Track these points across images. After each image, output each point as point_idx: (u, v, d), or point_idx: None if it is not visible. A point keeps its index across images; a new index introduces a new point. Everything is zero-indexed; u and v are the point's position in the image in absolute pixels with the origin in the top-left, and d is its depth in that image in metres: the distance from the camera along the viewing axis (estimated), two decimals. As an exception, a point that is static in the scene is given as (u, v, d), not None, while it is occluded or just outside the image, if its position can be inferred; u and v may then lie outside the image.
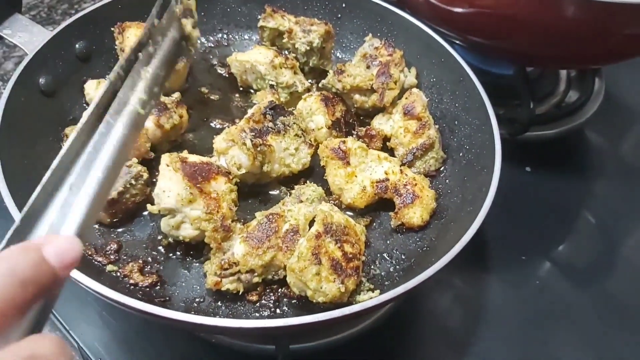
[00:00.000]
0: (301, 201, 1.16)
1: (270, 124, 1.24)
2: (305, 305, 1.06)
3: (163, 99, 1.31)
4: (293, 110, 1.36)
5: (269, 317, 1.05)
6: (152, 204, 1.09)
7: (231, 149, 1.19)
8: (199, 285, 1.09)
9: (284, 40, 1.51)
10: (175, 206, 1.06)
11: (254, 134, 1.19)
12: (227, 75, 1.55)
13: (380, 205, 1.27)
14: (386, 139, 1.39)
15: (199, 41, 1.60)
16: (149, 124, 1.24)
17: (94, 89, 1.29)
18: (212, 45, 1.64)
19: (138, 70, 0.75)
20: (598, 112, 1.72)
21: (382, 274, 1.15)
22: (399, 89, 1.41)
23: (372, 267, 1.16)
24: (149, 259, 1.12)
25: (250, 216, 1.19)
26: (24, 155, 1.16)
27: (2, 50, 1.78)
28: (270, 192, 1.28)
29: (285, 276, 1.06)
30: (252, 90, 1.51)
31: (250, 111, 1.27)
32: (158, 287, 1.07)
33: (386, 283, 1.13)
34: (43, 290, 0.52)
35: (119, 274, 1.08)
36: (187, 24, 0.86)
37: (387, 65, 1.40)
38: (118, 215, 1.16)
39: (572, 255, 1.47)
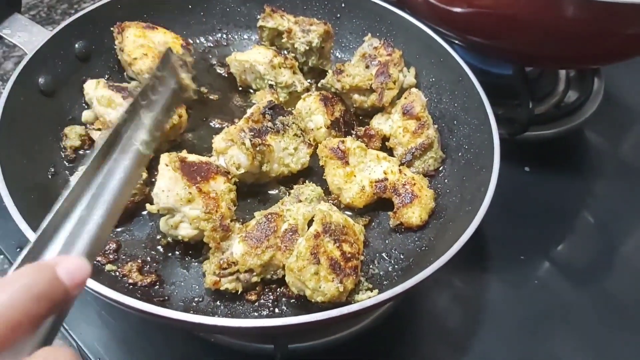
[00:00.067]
0: (300, 201, 1.16)
1: (270, 124, 1.24)
2: (303, 304, 1.06)
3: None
4: (292, 110, 1.36)
5: (267, 316, 1.06)
6: (151, 203, 1.09)
7: (230, 149, 1.19)
8: (197, 284, 1.09)
9: (283, 40, 1.51)
10: (174, 206, 1.06)
11: (253, 133, 1.19)
12: (226, 75, 1.55)
13: (379, 204, 1.27)
14: (385, 138, 1.39)
15: (197, 41, 1.62)
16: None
17: (94, 89, 1.29)
18: (212, 45, 1.64)
19: (141, 115, 0.82)
20: (597, 112, 1.72)
21: (381, 273, 1.16)
22: (398, 88, 1.41)
23: (370, 266, 1.16)
24: (148, 258, 1.12)
25: (249, 216, 1.19)
26: (24, 155, 1.16)
27: (2, 50, 1.78)
28: (269, 192, 1.28)
29: (284, 276, 1.06)
30: (251, 90, 1.51)
31: (249, 111, 1.27)
32: (157, 286, 1.08)
33: (385, 282, 1.13)
34: (55, 305, 0.55)
35: (118, 273, 1.08)
36: (185, 77, 0.97)
37: (386, 65, 1.40)
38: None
39: (571, 255, 1.47)
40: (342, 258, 1.03)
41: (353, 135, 1.40)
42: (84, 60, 1.41)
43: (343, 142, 1.27)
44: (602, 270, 1.44)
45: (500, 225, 1.45)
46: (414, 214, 1.21)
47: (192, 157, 1.14)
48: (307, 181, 1.27)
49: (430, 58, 1.48)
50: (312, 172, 1.32)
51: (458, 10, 1.38)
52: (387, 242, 1.22)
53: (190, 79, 0.98)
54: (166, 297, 1.06)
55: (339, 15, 1.63)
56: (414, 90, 1.40)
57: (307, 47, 1.48)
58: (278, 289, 1.09)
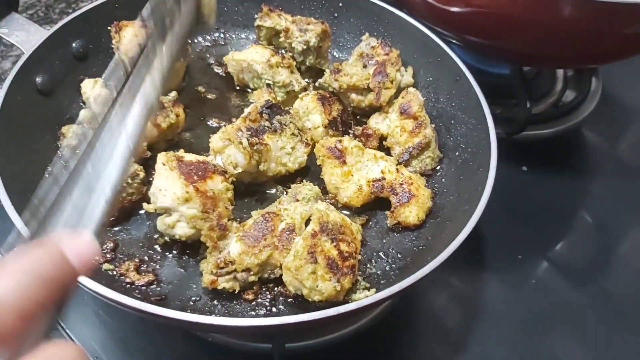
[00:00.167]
0: (297, 200, 1.16)
1: (267, 123, 1.24)
2: (301, 303, 1.06)
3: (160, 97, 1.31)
4: (290, 109, 1.36)
5: (265, 315, 1.06)
6: (149, 202, 1.09)
7: (227, 148, 1.19)
8: (195, 284, 1.09)
9: (281, 40, 1.51)
10: (171, 205, 1.06)
11: (250, 133, 1.19)
12: (223, 75, 1.55)
13: (376, 204, 1.27)
14: (382, 138, 1.39)
15: (195, 40, 1.62)
16: (146, 123, 1.24)
17: (91, 88, 1.29)
18: (209, 44, 1.64)
19: (154, 48, 0.72)
20: (595, 112, 1.72)
21: (378, 272, 1.16)
22: (395, 88, 1.41)
23: (368, 265, 1.16)
24: (145, 257, 1.12)
25: (246, 215, 1.19)
26: (21, 154, 1.16)
27: (0, 49, 1.78)
28: (267, 191, 1.28)
29: (281, 275, 1.06)
30: (248, 90, 1.51)
31: (246, 110, 1.27)
32: (154, 285, 1.08)
33: (382, 282, 1.13)
34: (65, 289, 0.50)
35: (115, 272, 1.08)
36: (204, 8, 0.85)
37: (383, 65, 1.40)
38: (114, 214, 1.16)
39: (568, 255, 1.47)
40: (340, 257, 1.03)
41: (350, 135, 1.40)
42: (82, 59, 1.40)
43: (340, 141, 1.27)
44: (600, 270, 1.44)
45: (498, 225, 1.46)
46: (412, 213, 1.21)
47: (190, 157, 1.14)
48: (304, 180, 1.27)
49: (427, 57, 1.48)
50: (310, 171, 1.32)
51: (456, 9, 1.38)
52: (384, 241, 1.22)
53: None
54: (163, 297, 1.06)
55: (336, 14, 1.63)
56: (411, 89, 1.40)
57: (305, 47, 1.48)
58: (275, 288, 1.09)
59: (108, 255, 1.10)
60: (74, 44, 1.38)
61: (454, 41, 1.53)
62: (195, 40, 1.62)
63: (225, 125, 1.28)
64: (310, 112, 1.35)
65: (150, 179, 1.12)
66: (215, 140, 1.20)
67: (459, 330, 1.27)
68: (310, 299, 1.01)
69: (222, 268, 1.04)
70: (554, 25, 1.28)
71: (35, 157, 1.20)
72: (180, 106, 1.33)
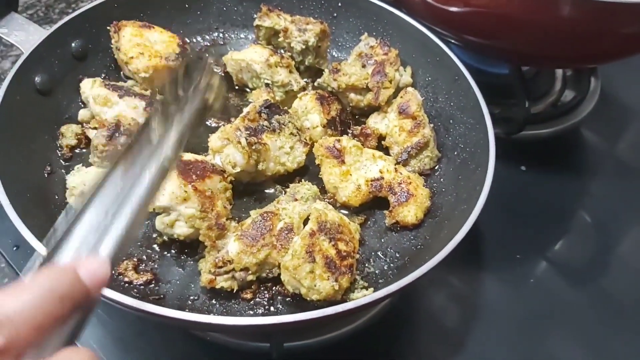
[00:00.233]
0: (296, 199, 1.16)
1: (266, 123, 1.24)
2: (299, 303, 1.06)
3: (158, 97, 1.32)
4: (288, 109, 1.36)
5: (263, 314, 1.06)
6: (147, 202, 1.09)
7: (226, 148, 1.19)
8: (193, 283, 1.09)
9: (280, 39, 1.51)
10: (169, 204, 1.06)
11: (249, 132, 1.20)
12: (222, 74, 1.55)
13: (375, 203, 1.27)
14: (381, 137, 1.40)
15: (194, 40, 1.62)
16: (145, 122, 1.25)
17: (90, 88, 1.29)
18: (208, 44, 1.64)
19: (171, 127, 0.79)
20: (594, 111, 1.72)
21: (377, 272, 1.16)
22: (394, 87, 1.41)
23: (366, 265, 1.17)
24: (144, 257, 1.12)
25: (245, 214, 1.19)
26: (20, 154, 1.16)
27: (0, 49, 1.78)
28: (265, 191, 1.28)
29: (279, 274, 1.06)
30: (247, 89, 1.51)
31: (245, 110, 1.28)
32: (152, 285, 1.08)
33: (380, 281, 1.14)
34: (77, 306, 0.57)
35: (113, 271, 1.07)
36: (211, 97, 0.92)
37: (382, 64, 1.40)
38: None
39: (567, 254, 1.47)
40: (338, 256, 1.03)
41: (349, 134, 1.40)
42: (81, 59, 1.41)
43: (339, 141, 1.27)
44: (599, 270, 1.44)
45: (497, 225, 1.46)
46: (410, 213, 1.21)
47: (188, 156, 1.15)
48: (303, 180, 1.27)
49: (426, 57, 1.48)
50: (308, 171, 1.32)
51: (454, 9, 1.39)
52: (382, 240, 1.22)
53: (215, 98, 0.94)
54: (162, 296, 1.06)
55: (335, 14, 1.63)
56: (410, 89, 1.40)
57: (304, 46, 1.48)
58: (273, 288, 1.10)
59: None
60: (73, 44, 1.38)
61: (452, 41, 1.54)
62: (195, 40, 1.63)
63: (224, 125, 1.28)
64: (309, 111, 1.35)
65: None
66: (214, 140, 1.20)
67: (458, 330, 1.27)
68: (308, 298, 1.01)
69: (221, 267, 1.04)
70: (553, 25, 1.28)
71: (34, 156, 1.20)
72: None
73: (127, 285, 1.06)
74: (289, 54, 1.52)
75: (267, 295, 1.09)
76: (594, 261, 1.46)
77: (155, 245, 1.14)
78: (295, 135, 1.27)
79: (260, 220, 1.09)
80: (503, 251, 1.43)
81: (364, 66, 1.43)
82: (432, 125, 1.38)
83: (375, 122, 1.41)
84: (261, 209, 1.15)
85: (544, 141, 1.68)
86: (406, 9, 1.56)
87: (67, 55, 1.37)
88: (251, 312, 1.06)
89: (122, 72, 1.46)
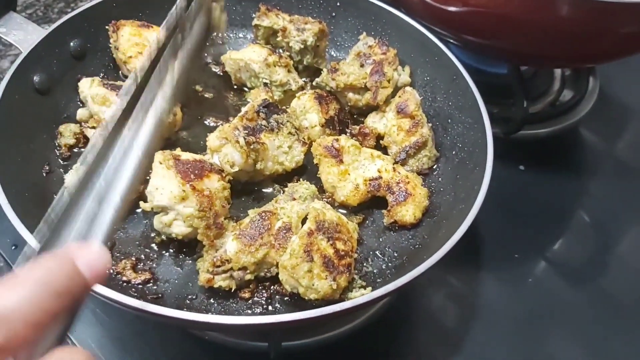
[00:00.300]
0: (294, 199, 1.16)
1: (264, 122, 1.24)
2: (297, 302, 1.06)
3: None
4: (287, 108, 1.36)
5: (261, 314, 1.06)
6: (145, 201, 1.09)
7: (224, 147, 1.19)
8: (191, 282, 1.09)
9: (278, 39, 1.52)
10: (168, 204, 1.06)
11: (247, 132, 1.20)
12: (221, 74, 1.55)
13: (373, 203, 1.27)
14: (379, 137, 1.40)
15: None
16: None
17: (88, 87, 1.29)
18: (207, 43, 1.63)
19: (166, 64, 0.73)
20: (592, 111, 1.72)
21: (375, 271, 1.16)
22: (392, 87, 1.41)
23: (364, 264, 1.17)
24: (142, 256, 1.12)
25: (243, 214, 1.19)
26: (19, 153, 1.16)
27: (-1, 48, 1.78)
28: (264, 190, 1.28)
29: (277, 273, 1.06)
30: (246, 89, 1.51)
31: (244, 109, 1.27)
32: (151, 284, 1.08)
33: (378, 280, 1.14)
34: (75, 300, 0.53)
35: (111, 271, 1.08)
36: (216, 8, 0.85)
37: (380, 64, 1.40)
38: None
39: (566, 254, 1.47)
40: (336, 256, 1.03)
41: (347, 134, 1.40)
42: (79, 58, 1.41)
43: (337, 140, 1.27)
44: (598, 269, 1.44)
45: (495, 224, 1.46)
46: (408, 212, 1.21)
47: (186, 155, 1.14)
48: (301, 179, 1.27)
49: (425, 57, 1.48)
50: (307, 170, 1.32)
51: (453, 9, 1.39)
52: (380, 240, 1.22)
53: (220, 9, 0.86)
54: (160, 295, 1.06)
55: (334, 14, 1.63)
56: (408, 88, 1.40)
57: (302, 46, 1.48)
58: (271, 287, 1.10)
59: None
60: (71, 43, 1.38)
61: (451, 40, 1.54)
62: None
63: (222, 124, 1.29)
64: (307, 111, 1.35)
65: (147, 177, 1.12)
66: (212, 139, 1.20)
67: (456, 329, 1.27)
68: (306, 298, 1.01)
69: (219, 266, 1.04)
70: (552, 24, 1.28)
71: (32, 155, 1.20)
72: (178, 105, 1.33)
73: (125, 284, 1.06)
74: (288, 53, 1.52)
75: (265, 295, 1.09)
76: (593, 261, 1.46)
77: (153, 245, 1.14)
78: (294, 135, 1.27)
79: (259, 220, 1.09)
80: (501, 251, 1.43)
81: (362, 66, 1.43)
82: (430, 124, 1.38)
83: (374, 122, 1.42)
84: (259, 208, 1.15)
85: (542, 141, 1.68)
86: (405, 9, 1.56)
87: (66, 55, 1.37)
88: (249, 312, 1.06)
89: (120, 72, 1.46)
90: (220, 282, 1.04)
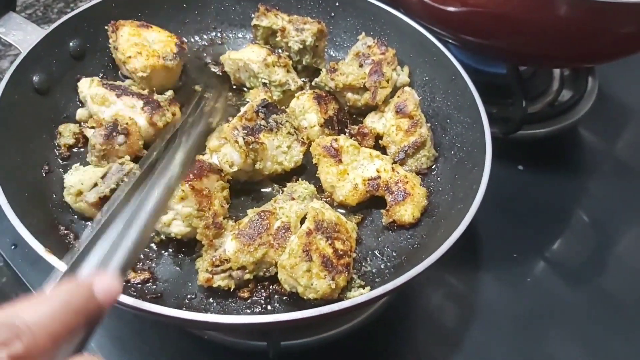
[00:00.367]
0: (293, 199, 1.16)
1: (263, 122, 1.24)
2: (296, 301, 1.06)
3: (156, 97, 1.32)
4: (286, 108, 1.36)
5: (260, 313, 1.06)
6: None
7: (223, 147, 1.19)
8: (190, 282, 1.09)
9: (277, 39, 1.52)
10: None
11: (246, 131, 1.20)
12: (220, 74, 1.56)
13: (372, 202, 1.27)
14: (378, 137, 1.40)
15: (192, 40, 1.62)
16: (142, 121, 1.25)
17: (88, 87, 1.29)
18: (206, 43, 1.64)
19: (175, 151, 0.85)
20: (591, 111, 1.72)
21: (373, 270, 1.16)
22: (391, 87, 1.41)
23: (363, 264, 1.17)
24: (141, 255, 1.12)
25: (242, 213, 1.19)
26: (18, 153, 1.16)
27: (-2, 49, 1.79)
28: (262, 190, 1.28)
29: (276, 273, 1.06)
30: (245, 89, 1.51)
31: (243, 109, 1.28)
32: (150, 283, 1.08)
33: (377, 280, 1.14)
34: (90, 319, 0.62)
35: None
36: (215, 120, 0.99)
37: (379, 64, 1.41)
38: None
39: (564, 254, 1.48)
40: (335, 255, 1.04)
41: (346, 134, 1.40)
42: (79, 58, 1.41)
43: (336, 140, 1.27)
44: (597, 269, 1.44)
45: (494, 224, 1.46)
46: (407, 212, 1.21)
47: (186, 155, 1.15)
48: (300, 179, 1.27)
49: (423, 57, 1.48)
50: (305, 170, 1.33)
51: (452, 9, 1.39)
52: (379, 239, 1.22)
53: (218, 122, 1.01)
54: (159, 294, 1.06)
55: (333, 14, 1.63)
56: (407, 88, 1.40)
57: (301, 46, 1.48)
58: (270, 286, 1.10)
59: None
60: (71, 43, 1.38)
61: (450, 40, 1.54)
62: (192, 40, 1.63)
63: (221, 124, 1.29)
64: (306, 111, 1.35)
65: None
66: (211, 139, 1.20)
67: (455, 329, 1.28)
68: (305, 297, 1.02)
69: (218, 266, 1.04)
70: (550, 24, 1.28)
71: (32, 155, 1.21)
72: (177, 105, 1.33)
73: (124, 284, 1.06)
74: (287, 53, 1.52)
75: (264, 294, 1.09)
76: (592, 260, 1.47)
77: (152, 244, 1.14)
78: (293, 135, 1.27)
79: (258, 219, 1.09)
80: (500, 250, 1.43)
81: (361, 66, 1.43)
82: (429, 124, 1.38)
83: (373, 122, 1.42)
84: (258, 208, 1.15)
85: (541, 141, 1.68)
86: (404, 9, 1.56)
87: (65, 55, 1.38)
88: (248, 311, 1.06)
89: (119, 72, 1.47)
90: (219, 281, 1.05)
